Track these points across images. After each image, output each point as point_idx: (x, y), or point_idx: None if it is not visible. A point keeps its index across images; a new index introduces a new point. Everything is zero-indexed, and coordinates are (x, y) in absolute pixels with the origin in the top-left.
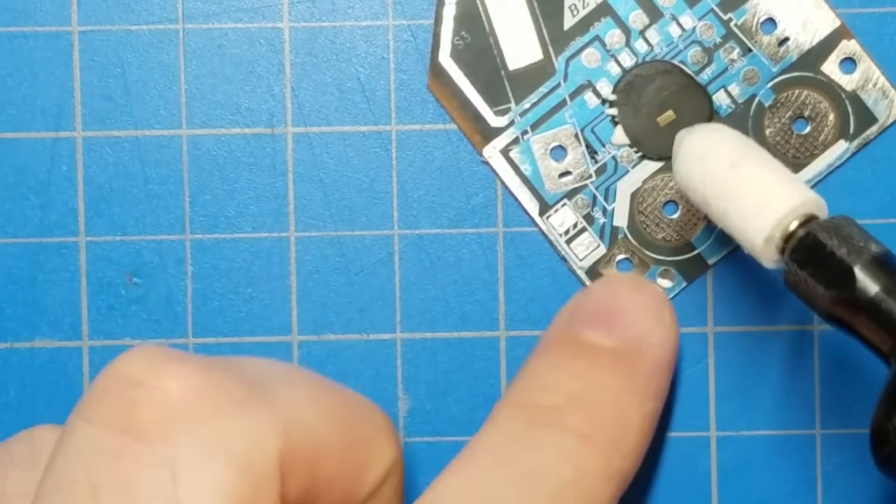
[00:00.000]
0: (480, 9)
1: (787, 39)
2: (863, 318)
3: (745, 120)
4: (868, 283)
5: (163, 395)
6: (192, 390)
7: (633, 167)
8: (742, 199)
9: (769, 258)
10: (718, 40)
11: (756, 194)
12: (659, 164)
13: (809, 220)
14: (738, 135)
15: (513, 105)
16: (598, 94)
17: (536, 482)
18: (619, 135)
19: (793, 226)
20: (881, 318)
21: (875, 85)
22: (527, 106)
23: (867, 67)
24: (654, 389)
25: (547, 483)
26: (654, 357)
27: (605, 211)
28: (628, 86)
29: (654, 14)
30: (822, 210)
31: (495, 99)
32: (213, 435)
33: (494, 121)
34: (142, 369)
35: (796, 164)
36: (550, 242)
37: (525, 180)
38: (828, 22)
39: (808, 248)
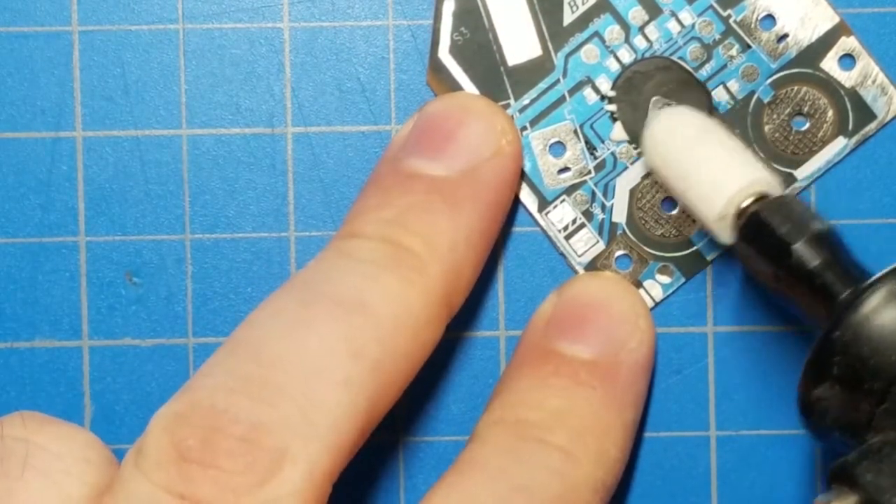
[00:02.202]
0: (480, 4)
1: (786, 36)
2: (800, 291)
3: (745, 116)
4: (806, 258)
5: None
6: None
7: (632, 163)
8: (698, 179)
9: (723, 235)
10: (717, 37)
11: (711, 174)
12: None
13: (760, 198)
14: (700, 116)
15: (512, 101)
16: (597, 90)
17: (525, 497)
18: (619, 131)
19: (744, 204)
20: (816, 292)
21: (874, 81)
22: (526, 102)
23: (866, 64)
24: (633, 398)
25: (535, 498)
26: (632, 363)
27: (604, 207)
28: (627, 82)
29: (654, 10)
30: (774, 189)
31: (494, 95)
32: None
33: None
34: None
35: (795, 161)
36: (549, 239)
37: (524, 176)
38: (826, 18)
39: (754, 225)
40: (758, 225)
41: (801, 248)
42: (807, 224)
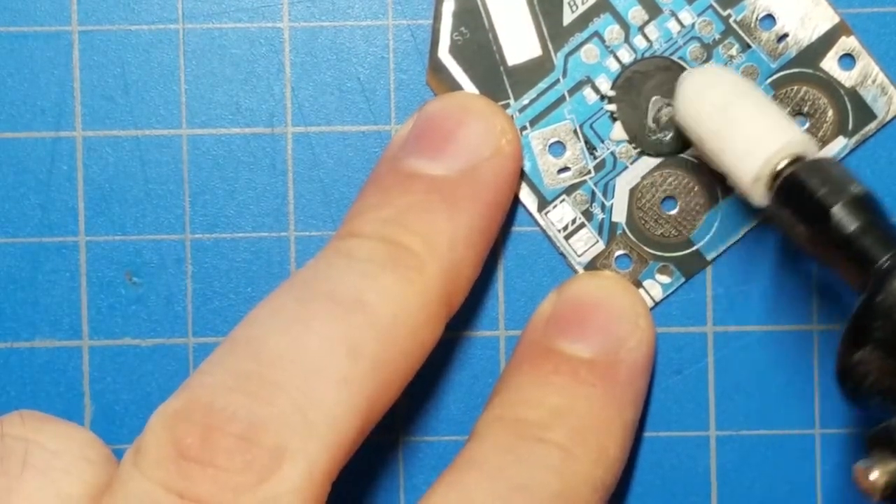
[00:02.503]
0: (480, 4)
1: (786, 35)
2: (838, 254)
3: None
4: (844, 222)
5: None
6: None
7: (632, 163)
8: (733, 140)
9: (758, 197)
10: (717, 36)
11: (746, 135)
12: (658, 161)
13: (796, 160)
14: (735, 76)
15: (512, 101)
16: (597, 89)
17: (524, 495)
18: (618, 131)
19: (780, 165)
20: (854, 256)
21: (874, 81)
22: (526, 102)
23: (866, 64)
24: (632, 397)
25: (534, 496)
26: (632, 362)
27: (603, 207)
28: (627, 82)
29: (654, 10)
30: (810, 150)
31: (494, 94)
32: None
33: None
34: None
35: None
36: (549, 238)
37: (524, 176)
38: (826, 18)
39: (791, 187)
40: (795, 187)
41: (839, 211)
42: (845, 187)
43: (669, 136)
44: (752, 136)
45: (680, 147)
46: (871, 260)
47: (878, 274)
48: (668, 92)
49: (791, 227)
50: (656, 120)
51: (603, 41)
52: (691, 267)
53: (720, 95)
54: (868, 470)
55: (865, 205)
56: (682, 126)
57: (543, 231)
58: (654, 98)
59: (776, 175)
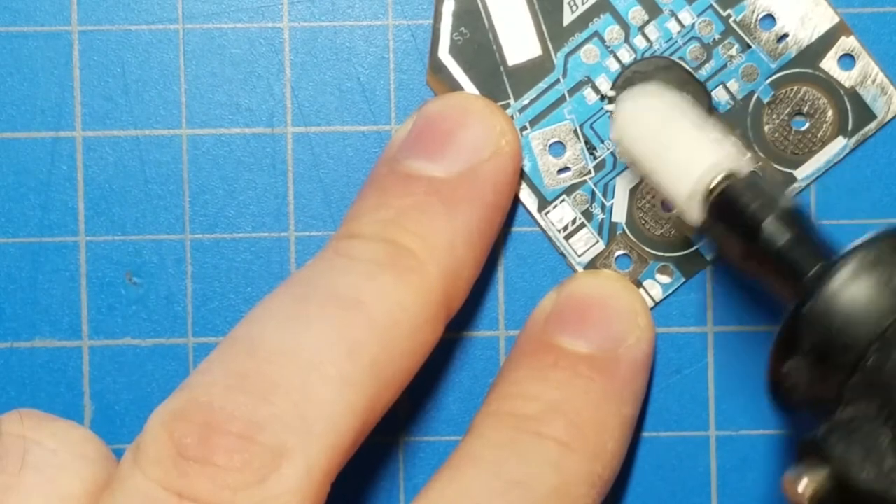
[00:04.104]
0: (480, 4)
1: (785, 36)
2: (770, 268)
3: (744, 116)
4: (775, 236)
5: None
6: None
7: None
8: (668, 160)
9: (693, 214)
10: (717, 36)
11: (680, 155)
12: None
13: (729, 177)
14: (672, 97)
15: (512, 101)
16: (597, 90)
17: (522, 490)
18: None
19: (714, 182)
20: (786, 269)
21: (874, 81)
22: (526, 102)
23: (866, 64)
24: (631, 393)
25: (532, 491)
26: (631, 360)
27: (603, 207)
28: (627, 82)
29: (654, 10)
30: (742, 167)
31: (494, 95)
32: None
33: None
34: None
35: (795, 161)
36: (549, 238)
37: (524, 176)
38: (826, 18)
39: (724, 203)
40: (727, 203)
41: (770, 224)
42: (776, 201)
43: None
44: (686, 156)
45: None
46: (803, 271)
47: (807, 284)
48: None
49: (725, 244)
50: None
51: (603, 41)
52: (691, 267)
53: (654, 118)
54: (797, 479)
55: (795, 218)
56: (620, 151)
57: (543, 231)
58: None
59: (710, 192)
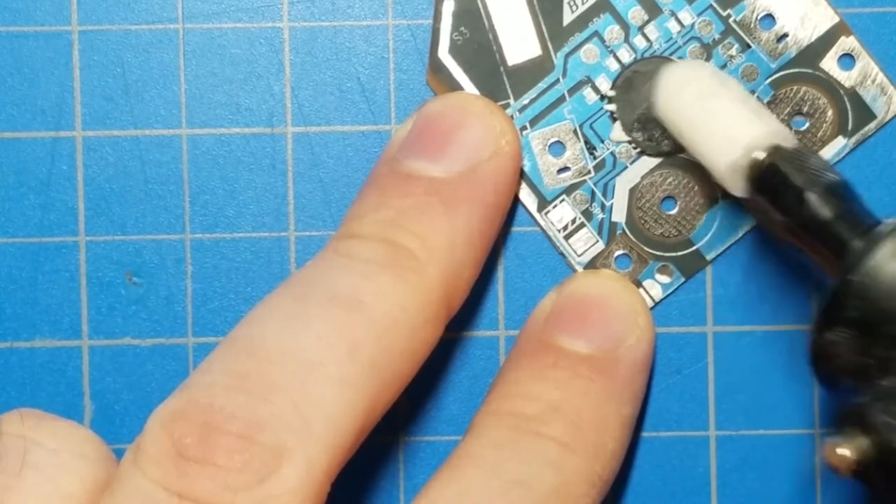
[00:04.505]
0: (480, 4)
1: (785, 35)
2: (814, 242)
3: None
4: (820, 209)
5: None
6: None
7: (632, 163)
8: (712, 130)
9: (735, 185)
10: (717, 36)
11: (725, 125)
12: (657, 161)
13: (773, 150)
14: (714, 70)
15: (511, 101)
16: (596, 89)
17: (521, 490)
18: (618, 131)
19: (758, 155)
20: (830, 242)
21: (874, 81)
22: (525, 101)
23: (866, 64)
24: (631, 394)
25: (532, 491)
26: (631, 360)
27: (603, 207)
28: (627, 82)
29: (653, 10)
30: (787, 141)
31: (494, 94)
32: None
33: None
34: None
35: None
36: (549, 238)
37: (524, 176)
38: (826, 18)
39: (768, 176)
40: (772, 175)
41: (815, 198)
42: (821, 175)
43: (655, 135)
44: (731, 127)
45: (680, 147)
46: (846, 245)
47: (852, 255)
48: None
49: (768, 216)
50: (640, 118)
51: (603, 41)
52: (691, 266)
53: (699, 88)
54: (837, 446)
55: (841, 192)
56: (662, 118)
57: (543, 231)
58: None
59: (753, 165)
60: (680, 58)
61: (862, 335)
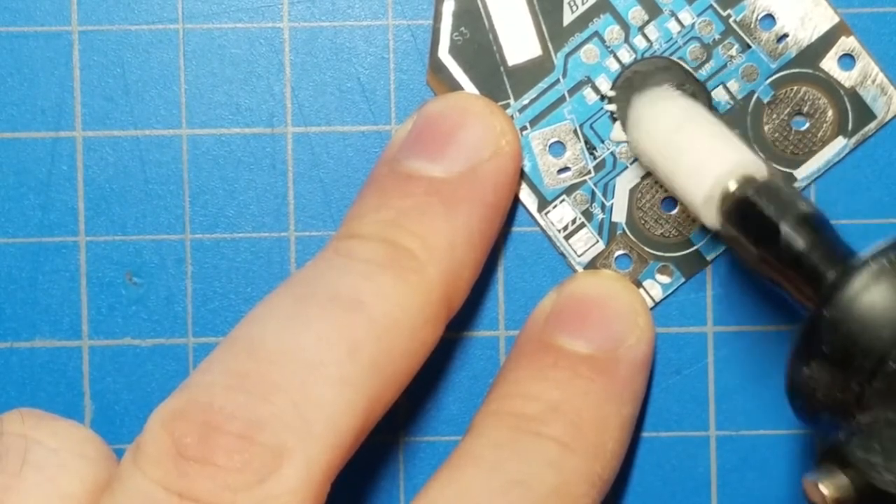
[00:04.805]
0: (480, 4)
1: (785, 36)
2: (787, 273)
3: (744, 116)
4: (793, 240)
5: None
6: None
7: (632, 163)
8: (684, 162)
9: (709, 218)
10: (717, 36)
11: (696, 157)
12: None
13: (746, 181)
14: (685, 99)
15: (512, 101)
16: (597, 90)
17: (521, 490)
18: (618, 131)
19: (731, 186)
20: (804, 274)
21: (874, 81)
22: (526, 102)
23: (866, 64)
24: (631, 393)
25: (532, 491)
26: (631, 360)
27: (603, 207)
28: (627, 82)
29: (654, 10)
30: (759, 171)
31: (494, 95)
32: None
33: None
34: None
35: (795, 161)
36: (549, 238)
37: (524, 176)
38: (826, 18)
39: (741, 207)
40: (744, 207)
41: (788, 229)
42: (794, 206)
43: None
44: (702, 158)
45: None
46: (821, 276)
47: (826, 288)
48: None
49: (742, 248)
50: None
51: (603, 41)
52: (691, 267)
53: (670, 119)
54: (816, 483)
55: (814, 223)
56: (635, 151)
57: (543, 231)
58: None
59: (726, 196)
60: (680, 58)
61: (838, 369)
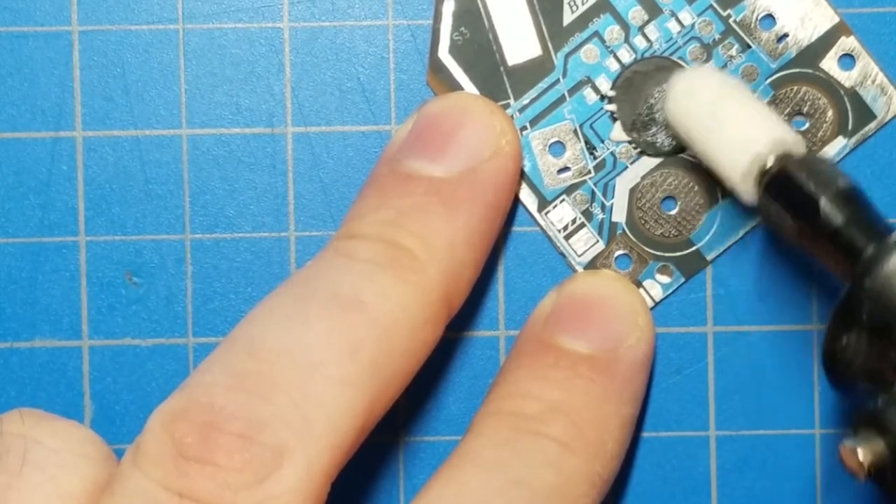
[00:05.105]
0: (480, 4)
1: (785, 36)
2: (826, 247)
3: None
4: (832, 215)
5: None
6: None
7: (632, 163)
8: (723, 138)
9: (747, 193)
10: (717, 36)
11: (736, 133)
12: (658, 161)
13: (784, 157)
14: (725, 76)
15: (512, 101)
16: (597, 90)
17: (521, 490)
18: (618, 131)
19: (769, 162)
20: (842, 247)
21: (874, 81)
22: (526, 102)
23: (866, 64)
24: (631, 393)
25: (532, 491)
26: (631, 360)
27: (603, 207)
28: (627, 82)
29: (654, 10)
30: (798, 148)
31: (494, 95)
32: None
33: None
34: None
35: None
36: (549, 238)
37: (524, 176)
38: (826, 18)
39: (780, 182)
40: (784, 181)
41: (827, 203)
42: (833, 181)
43: (660, 132)
44: (742, 134)
45: (680, 147)
46: (859, 250)
47: (865, 261)
48: None
49: (780, 223)
50: (649, 107)
51: (603, 41)
52: (691, 266)
53: (710, 95)
54: (854, 448)
55: (852, 197)
56: (673, 126)
57: (543, 231)
58: (655, 91)
59: (765, 171)
60: (680, 58)
61: (876, 339)
